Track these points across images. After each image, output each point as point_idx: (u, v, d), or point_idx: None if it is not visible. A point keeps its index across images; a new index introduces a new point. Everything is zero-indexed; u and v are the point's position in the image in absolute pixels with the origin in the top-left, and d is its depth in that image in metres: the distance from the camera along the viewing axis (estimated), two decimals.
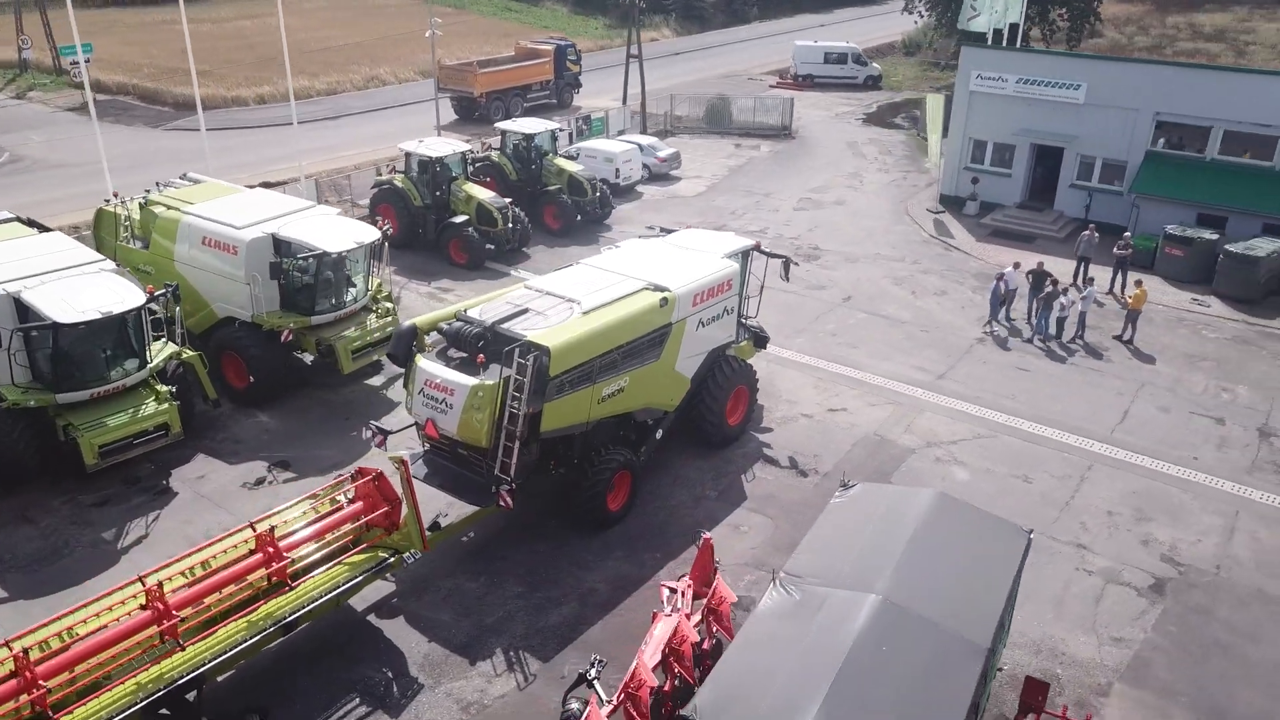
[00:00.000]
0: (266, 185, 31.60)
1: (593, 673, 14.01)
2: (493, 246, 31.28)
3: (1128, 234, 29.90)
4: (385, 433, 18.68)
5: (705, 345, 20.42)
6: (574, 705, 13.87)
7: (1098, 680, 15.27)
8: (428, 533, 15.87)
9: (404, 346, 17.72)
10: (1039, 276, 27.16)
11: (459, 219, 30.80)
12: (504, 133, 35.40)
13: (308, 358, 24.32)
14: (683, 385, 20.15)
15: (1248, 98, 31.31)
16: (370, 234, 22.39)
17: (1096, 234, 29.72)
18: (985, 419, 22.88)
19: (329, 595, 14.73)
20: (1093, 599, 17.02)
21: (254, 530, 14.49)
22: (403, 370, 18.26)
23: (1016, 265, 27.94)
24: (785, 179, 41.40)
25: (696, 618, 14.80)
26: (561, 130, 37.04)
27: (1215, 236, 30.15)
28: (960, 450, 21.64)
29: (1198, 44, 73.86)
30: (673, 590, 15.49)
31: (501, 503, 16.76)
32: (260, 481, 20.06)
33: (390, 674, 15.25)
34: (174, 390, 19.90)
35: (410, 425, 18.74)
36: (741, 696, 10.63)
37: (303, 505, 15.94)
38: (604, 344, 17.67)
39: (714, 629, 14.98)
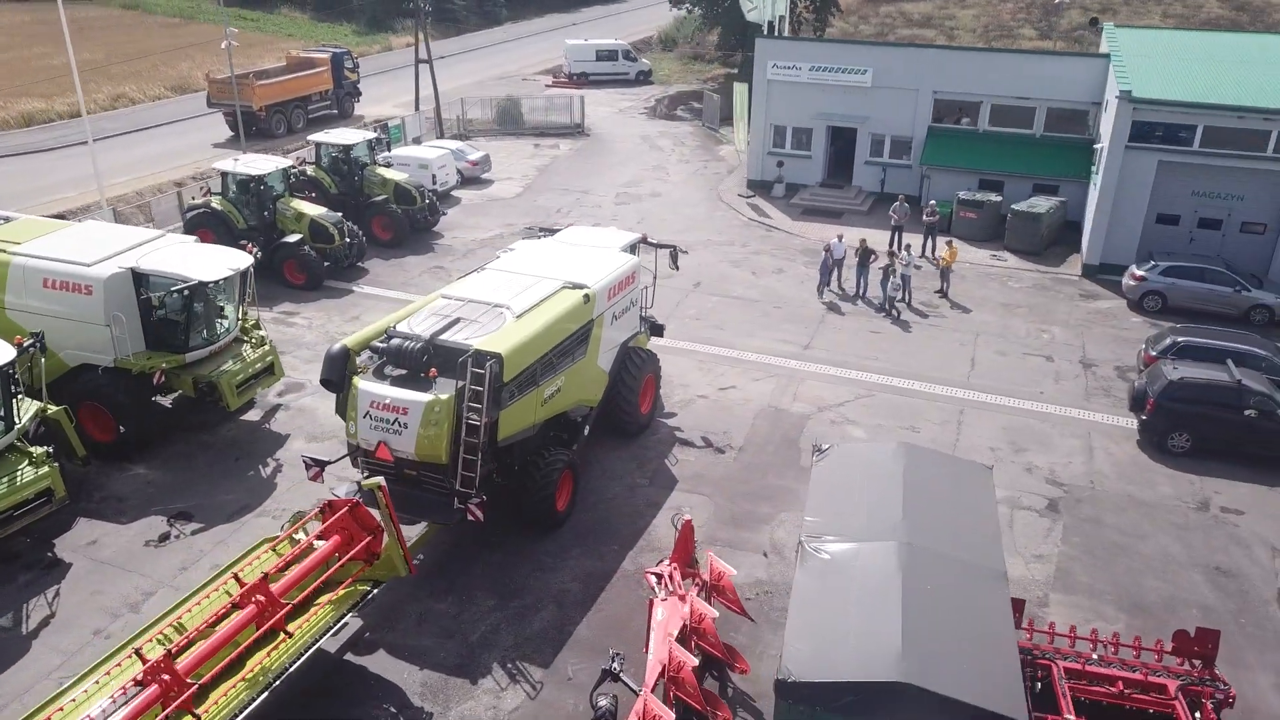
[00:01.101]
0: (59, 216, 28.47)
1: (616, 666, 14.18)
2: (330, 264, 29.89)
3: (933, 202, 33.06)
4: (322, 464, 17.68)
5: (619, 338, 20.79)
6: (604, 702, 14.01)
7: (1036, 594, 17.15)
8: None
9: (338, 370, 16.84)
10: (864, 253, 29.56)
11: (292, 238, 29.15)
12: (318, 145, 33.75)
13: (167, 400, 22.35)
14: (603, 379, 20.42)
15: (1009, 75, 35.45)
16: (241, 259, 20.90)
17: (907, 204, 32.61)
18: (858, 380, 24.71)
19: (322, 639, 13.91)
20: (1006, 525, 19.00)
21: (239, 580, 13.40)
22: (336, 396, 17.33)
23: (840, 238, 30.20)
24: (596, 175, 42.13)
25: (693, 595, 15.22)
26: (380, 139, 35.77)
27: (999, 199, 33.96)
28: (848, 411, 23.30)
29: (912, 30, 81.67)
30: (659, 575, 15.85)
31: (471, 516, 16.40)
32: (165, 537, 18.34)
33: (393, 709, 14.62)
34: (50, 450, 17.77)
35: (344, 455, 17.80)
36: (824, 650, 11.25)
37: (261, 551, 14.90)
38: (544, 345, 17.65)
39: (714, 602, 15.44)
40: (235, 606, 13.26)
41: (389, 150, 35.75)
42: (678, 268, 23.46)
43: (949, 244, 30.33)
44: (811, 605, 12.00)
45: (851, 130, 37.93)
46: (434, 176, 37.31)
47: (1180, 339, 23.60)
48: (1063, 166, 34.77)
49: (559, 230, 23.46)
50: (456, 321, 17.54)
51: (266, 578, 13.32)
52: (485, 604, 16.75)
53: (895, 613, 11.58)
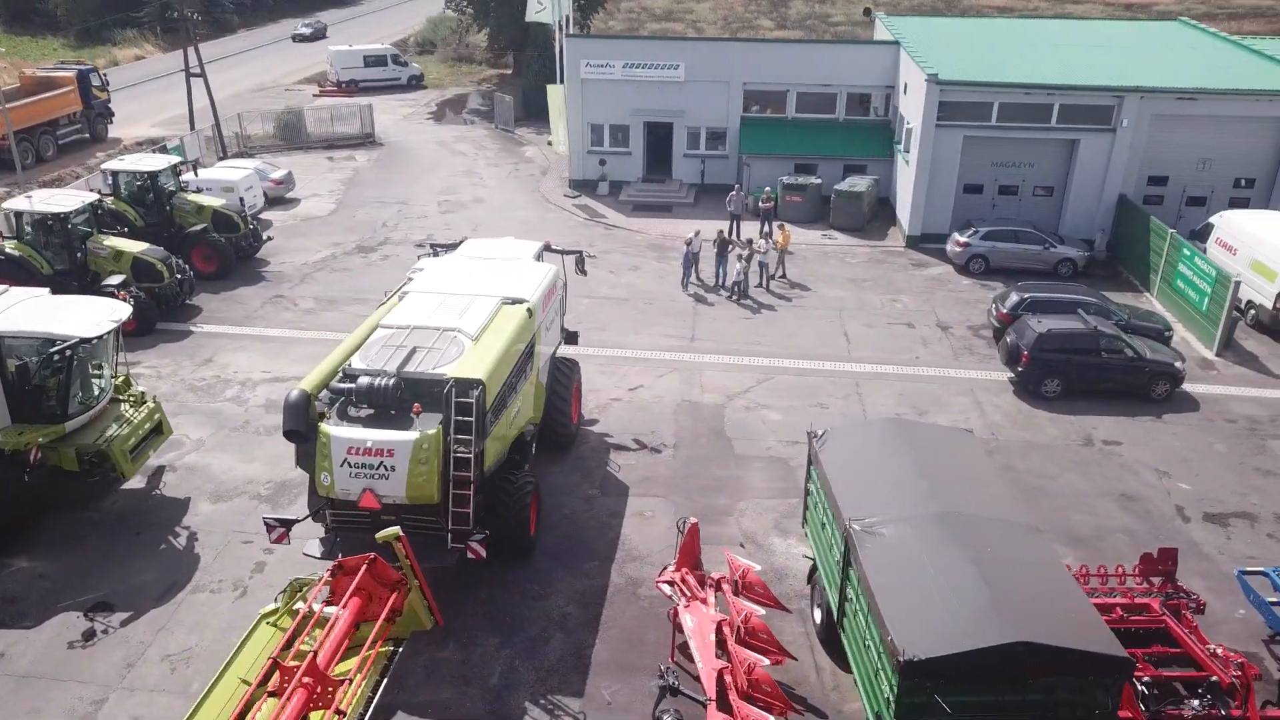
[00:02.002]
0: None
1: (674, 681, 14.05)
2: (161, 305, 26.95)
3: (769, 189, 34.51)
4: (288, 524, 16.03)
5: (550, 349, 20.31)
6: (668, 719, 13.79)
7: None
8: None
9: (302, 419, 15.28)
10: (722, 244, 30.52)
11: (114, 280, 25.94)
12: (114, 174, 30.18)
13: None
14: (543, 393, 19.87)
15: (812, 64, 37.63)
16: (119, 310, 18.44)
17: (743, 192, 33.85)
18: (752, 365, 25.52)
19: (368, 713, 12.73)
20: None
21: (280, 665, 11.95)
22: (297, 448, 15.76)
23: (697, 232, 30.99)
24: (407, 185, 40.47)
25: (729, 594, 15.28)
26: (184, 163, 32.43)
27: (819, 181, 36.04)
28: (756, 396, 24.02)
29: (659, 24, 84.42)
30: (672, 583, 15.80)
31: (473, 554, 15.52)
32: (90, 635, 15.96)
33: None
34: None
35: (311, 513, 16.25)
36: (929, 626, 11.68)
37: (263, 629, 13.42)
38: (509, 365, 16.99)
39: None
40: (274, 695, 11.85)
41: (195, 174, 32.53)
42: (584, 273, 23.16)
43: (781, 227, 31.84)
44: (894, 588, 12.39)
45: (668, 125, 38.79)
46: (241, 199, 34.40)
47: (1027, 295, 26.20)
48: (867, 147, 37.41)
49: (456, 245, 22.41)
50: (414, 351, 16.45)
51: (315, 656, 11.97)
52: (490, 643, 15.93)
53: (975, 578, 12.23)
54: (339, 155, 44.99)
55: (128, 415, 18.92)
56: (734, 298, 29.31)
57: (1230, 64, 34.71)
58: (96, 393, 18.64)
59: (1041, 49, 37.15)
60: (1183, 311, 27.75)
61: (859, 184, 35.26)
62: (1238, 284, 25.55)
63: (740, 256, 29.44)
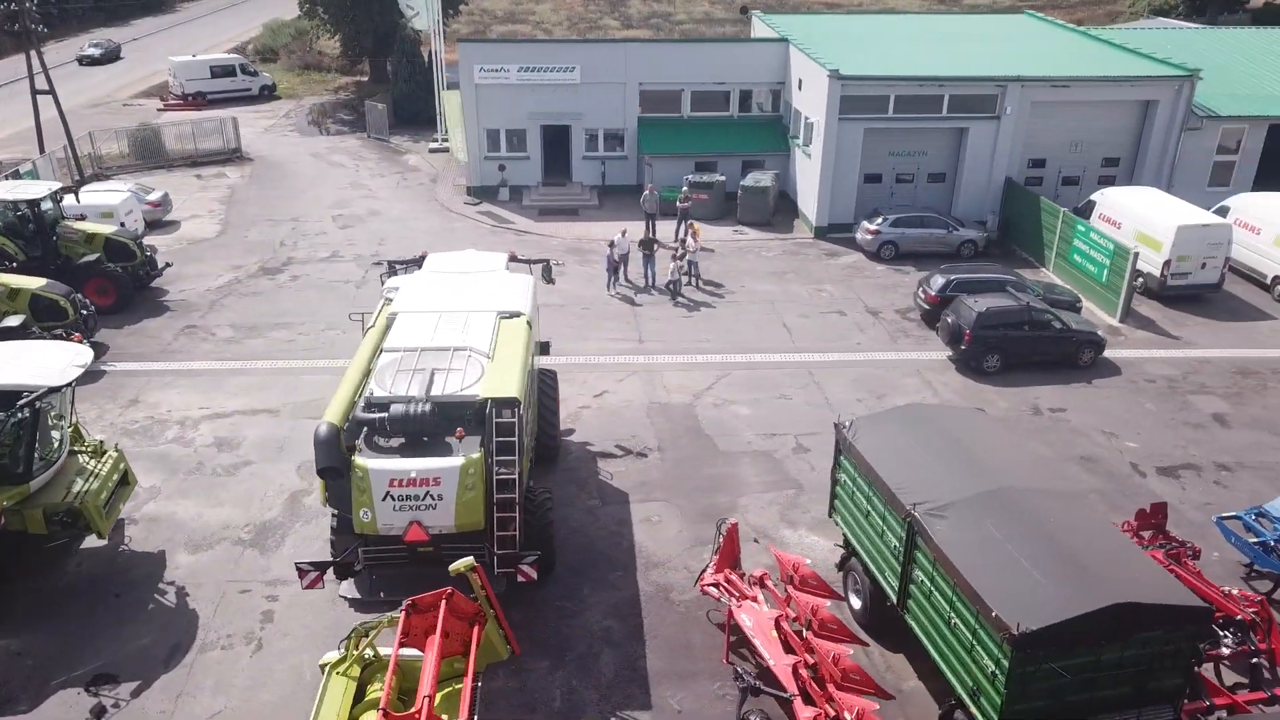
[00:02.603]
0: None
1: (752, 680, 14.14)
2: None
3: (685, 189, 34.82)
4: (322, 567, 15.01)
5: (535, 361, 19.87)
6: (753, 719, 13.86)
7: None
8: None
9: (336, 455, 14.35)
10: (648, 243, 30.67)
11: (13, 320, 23.54)
12: None
13: None
14: (534, 406, 19.44)
15: (705, 63, 38.23)
16: (81, 353, 16.79)
17: (656, 191, 34.05)
18: (706, 362, 25.78)
19: None
20: None
21: (390, 715, 11.25)
22: (326, 485, 14.78)
23: (624, 233, 30.98)
24: (294, 201, 38.52)
25: (758, 592, 15.44)
26: (64, 189, 29.65)
27: (723, 178, 36.68)
28: (720, 392, 24.30)
29: (505, 26, 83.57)
30: (717, 585, 15.90)
31: (524, 577, 15.06)
32: (101, 712, 14.53)
33: None
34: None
35: (343, 554, 15.31)
36: (1029, 599, 12.15)
37: (335, 681, 12.63)
38: (529, 381, 16.54)
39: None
40: None
41: (77, 200, 29.86)
42: (552, 281, 22.74)
43: (690, 225, 32.26)
44: (981, 566, 12.85)
45: (565, 127, 38.52)
46: (121, 224, 31.87)
47: (952, 277, 27.60)
48: (762, 143, 38.38)
49: (417, 260, 21.48)
50: (434, 374, 15.77)
51: (432, 700, 11.33)
52: (540, 667, 15.51)
53: (1051, 547, 12.89)
54: (207, 173, 42.31)
55: (91, 467, 17.25)
56: (672, 298, 29.48)
57: (1087, 53, 37.59)
58: (56, 446, 16.91)
59: (917, 43, 39.12)
60: (1081, 283, 29.89)
61: (763, 179, 36.11)
62: (1136, 255, 27.78)
63: (675, 256, 29.65)
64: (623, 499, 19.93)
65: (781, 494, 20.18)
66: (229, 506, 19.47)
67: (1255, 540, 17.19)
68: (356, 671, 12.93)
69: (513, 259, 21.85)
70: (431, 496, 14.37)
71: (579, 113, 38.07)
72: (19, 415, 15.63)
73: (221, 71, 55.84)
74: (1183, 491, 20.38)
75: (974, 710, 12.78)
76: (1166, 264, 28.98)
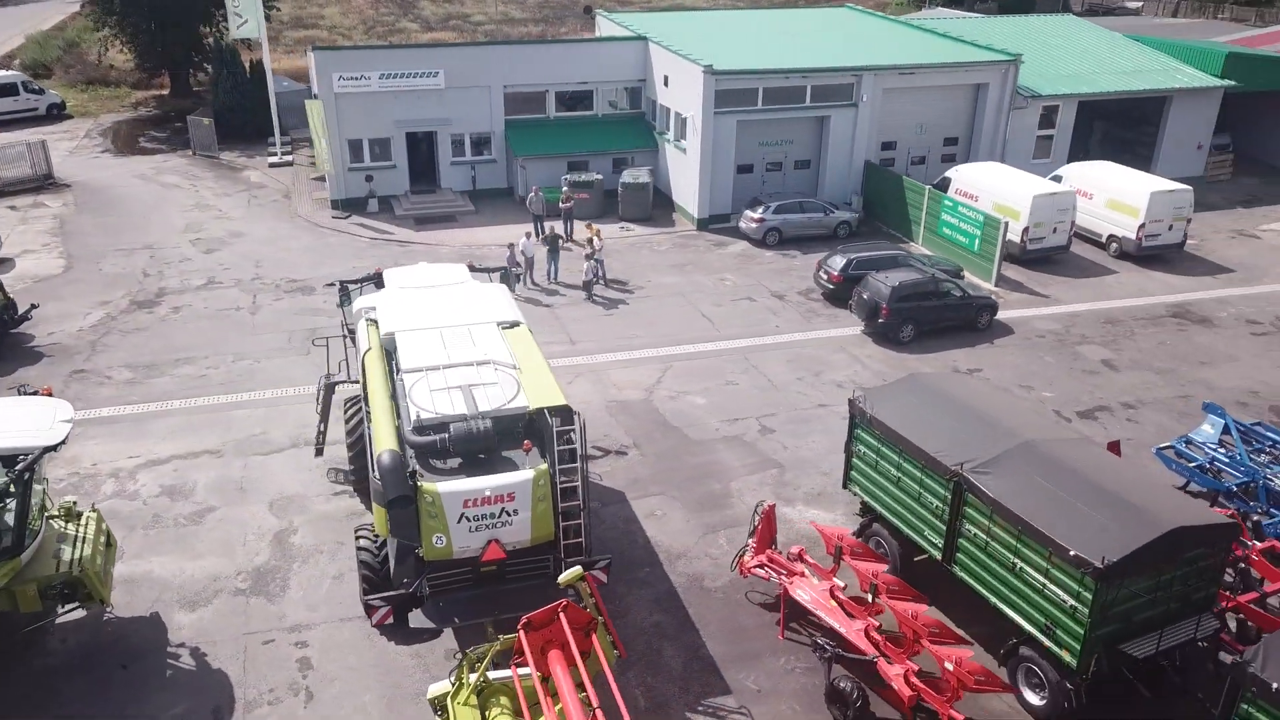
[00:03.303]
0: None
1: (833, 649, 14.86)
2: None
3: (566, 189, 34.83)
4: (394, 600, 14.32)
5: None
6: (845, 684, 14.59)
7: None
8: None
9: (405, 481, 13.74)
10: (552, 239, 30.70)
11: None
12: None
13: None
14: None
15: (568, 63, 38.38)
16: (63, 408, 15.06)
17: (541, 193, 33.95)
18: (645, 357, 26.21)
19: None
20: None
21: None
22: (392, 515, 14.04)
23: (528, 235, 30.82)
24: (139, 228, 35.42)
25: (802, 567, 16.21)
26: None
27: (601, 176, 37.04)
28: (670, 385, 24.79)
29: (296, 31, 79.79)
30: (763, 566, 16.53)
31: (595, 583, 14.97)
32: None
33: None
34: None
35: (413, 585, 14.67)
36: (1095, 535, 13.44)
37: (462, 713, 12.29)
38: None
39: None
40: None
41: None
42: (514, 289, 22.35)
43: (589, 225, 32.51)
44: (1042, 512, 14.05)
45: (431, 134, 37.61)
46: None
47: (851, 256, 29.36)
48: (629, 140, 39.01)
49: (370, 278, 20.52)
50: (472, 389, 15.37)
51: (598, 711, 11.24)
52: (628, 669, 15.49)
53: (1095, 488, 14.31)
54: (22, 203, 38.16)
55: (73, 532, 15.56)
56: (586, 297, 29.62)
57: (919, 42, 40.64)
58: (38, 513, 15.14)
59: (765, 38, 40.94)
60: (953, 254, 32.47)
61: (640, 175, 36.76)
62: (1007, 225, 30.57)
63: (587, 255, 29.80)
64: (620, 498, 20.06)
65: (767, 474, 20.96)
66: (210, 557, 18.07)
67: (1193, 464, 19.59)
68: (474, 700, 12.59)
69: (471, 269, 21.38)
70: (506, 513, 14.09)
71: (445, 118, 37.30)
72: (11, 480, 13.91)
73: (3, 90, 50.29)
74: (1105, 431, 22.76)
75: (1049, 644, 14.00)
76: (1025, 231, 32.00)
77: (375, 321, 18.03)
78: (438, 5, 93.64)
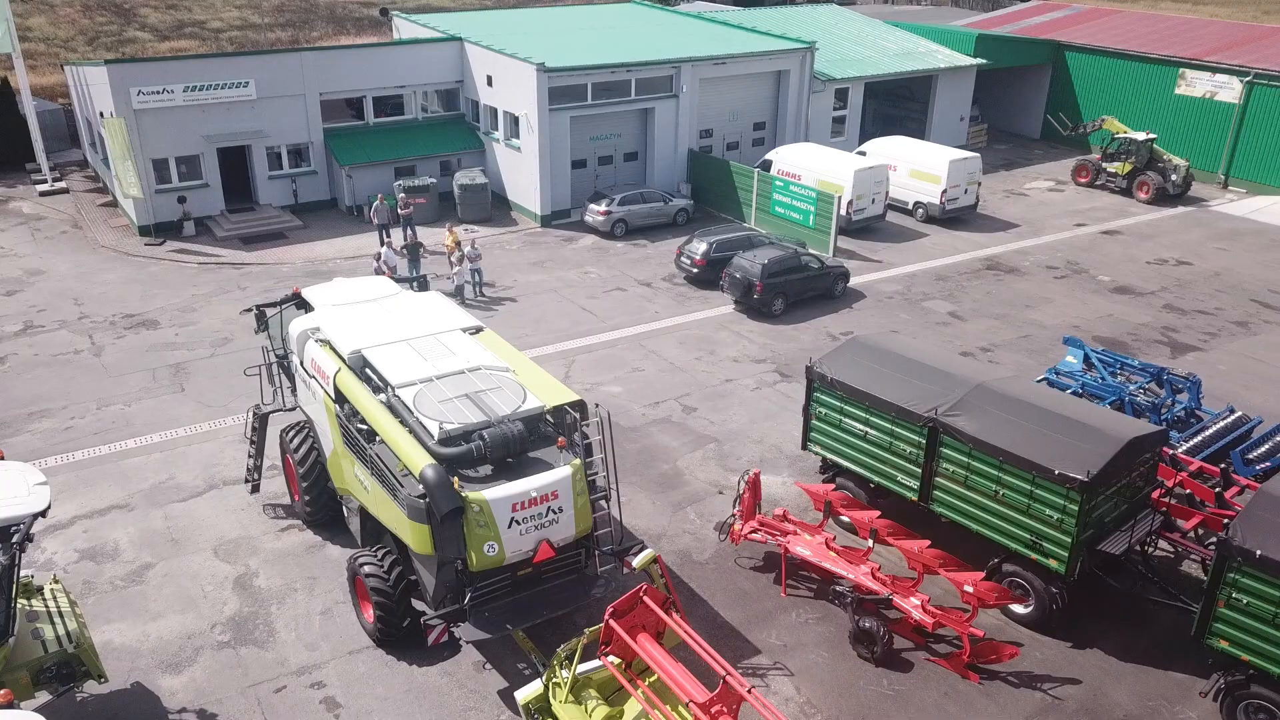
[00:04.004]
0: None
1: (851, 595, 16.08)
2: None
3: (403, 195, 33.89)
4: (452, 616, 13.85)
5: None
6: (868, 623, 15.83)
7: None
8: None
9: (455, 494, 13.38)
10: (414, 246, 30.05)
11: None
12: None
13: None
14: None
15: (384, 67, 37.25)
16: (30, 471, 13.30)
17: (385, 201, 32.94)
18: (546, 354, 26.20)
19: None
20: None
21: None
22: (437, 531, 13.58)
23: (388, 245, 29.93)
24: None
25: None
26: None
27: (434, 180, 36.36)
28: (580, 377, 25.10)
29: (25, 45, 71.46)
30: (757, 530, 17.51)
31: (629, 569, 15.26)
32: None
33: None
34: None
35: (464, 602, 14.27)
36: (1068, 454, 15.33)
37: (568, 710, 12.40)
38: None
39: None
40: None
41: None
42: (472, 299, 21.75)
43: (450, 229, 32.04)
44: (1018, 441, 15.82)
45: (244, 148, 35.34)
46: None
47: (711, 240, 30.81)
48: (454, 142, 38.55)
49: (290, 298, 19.26)
50: (480, 395, 15.15)
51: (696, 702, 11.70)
52: None
53: (1051, 414, 16.29)
54: None
55: (43, 607, 13.87)
56: (460, 300, 29.15)
57: (720, 34, 42.79)
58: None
59: (571, 34, 41.61)
60: (788, 231, 34.69)
61: (476, 176, 36.43)
62: (839, 199, 33.13)
63: (467, 258, 29.32)
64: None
65: (707, 449, 21.87)
66: (172, 615, 16.58)
67: (1068, 390, 22.45)
68: (570, 697, 12.66)
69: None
70: (552, 511, 14.09)
71: (259, 130, 35.19)
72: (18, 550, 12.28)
73: None
74: (998, 368, 25.45)
75: (1036, 556, 15.85)
76: (850, 204, 34.78)
77: (327, 341, 17.17)
78: (161, 13, 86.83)
